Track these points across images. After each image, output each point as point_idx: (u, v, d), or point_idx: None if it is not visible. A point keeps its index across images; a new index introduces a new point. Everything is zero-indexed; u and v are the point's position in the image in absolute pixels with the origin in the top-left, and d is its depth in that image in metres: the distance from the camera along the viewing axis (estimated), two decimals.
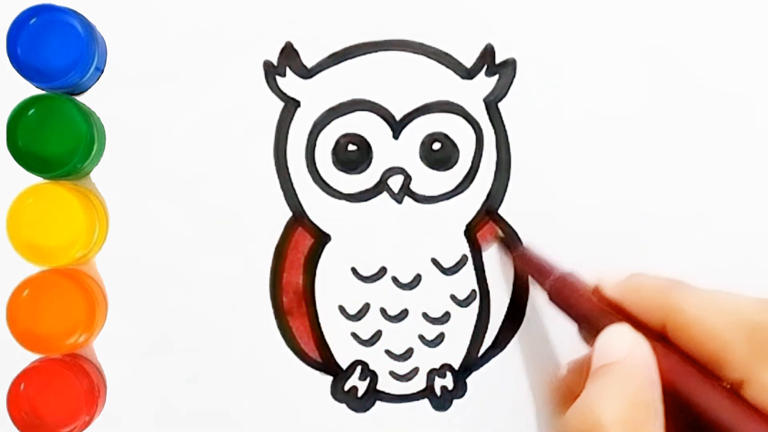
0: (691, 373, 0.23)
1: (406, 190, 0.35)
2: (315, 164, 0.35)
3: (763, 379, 0.21)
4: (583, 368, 0.25)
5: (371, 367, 0.36)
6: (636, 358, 0.23)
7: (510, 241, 0.35)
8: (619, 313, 0.25)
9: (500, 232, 0.35)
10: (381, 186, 0.35)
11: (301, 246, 0.35)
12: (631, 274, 0.26)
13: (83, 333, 0.34)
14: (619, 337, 0.24)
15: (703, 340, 0.23)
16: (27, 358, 0.34)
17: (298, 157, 0.35)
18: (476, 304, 0.35)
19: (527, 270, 0.33)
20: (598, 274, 0.27)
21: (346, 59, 0.35)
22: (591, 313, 0.26)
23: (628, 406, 0.22)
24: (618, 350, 0.23)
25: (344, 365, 0.35)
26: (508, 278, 0.35)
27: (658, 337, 0.24)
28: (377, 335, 0.35)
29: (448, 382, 0.35)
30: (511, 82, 0.35)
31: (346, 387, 0.35)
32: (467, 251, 0.35)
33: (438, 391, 0.35)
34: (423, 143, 0.35)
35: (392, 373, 0.36)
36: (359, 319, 0.35)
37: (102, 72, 0.35)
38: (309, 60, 0.35)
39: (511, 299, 0.35)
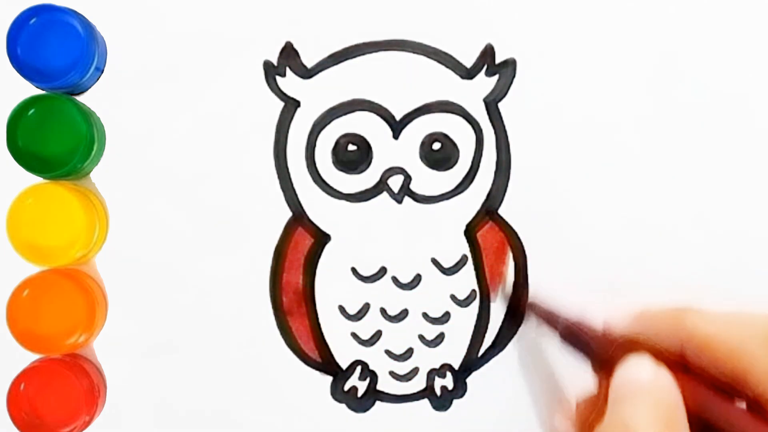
0: (711, 397, 0.23)
1: (406, 190, 0.35)
2: (315, 164, 0.35)
3: None
4: (597, 401, 0.26)
5: (371, 367, 0.36)
6: (662, 381, 0.24)
7: (520, 290, 0.35)
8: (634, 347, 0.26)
9: (507, 286, 0.35)
10: (381, 186, 0.35)
11: (301, 246, 0.35)
12: (640, 310, 0.27)
13: (83, 333, 0.34)
14: (642, 365, 0.24)
15: (723, 359, 0.23)
16: (27, 358, 0.34)
17: (298, 157, 0.35)
18: (476, 304, 0.35)
19: (537, 315, 0.33)
20: (605, 317, 0.28)
21: (346, 59, 0.35)
22: (607, 350, 0.27)
23: (662, 424, 0.22)
24: (643, 377, 0.24)
25: (344, 365, 0.35)
26: (508, 278, 0.35)
27: (677, 366, 0.24)
28: (377, 335, 0.35)
29: (448, 382, 0.35)
30: (511, 82, 0.35)
31: (346, 387, 0.35)
32: (467, 251, 0.35)
33: (438, 391, 0.35)
34: (423, 143, 0.35)
35: (392, 373, 0.36)
36: (359, 319, 0.35)
37: (102, 72, 0.35)
38: (309, 60, 0.35)
39: (511, 299, 0.35)
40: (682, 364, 0.25)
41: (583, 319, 0.29)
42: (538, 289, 0.35)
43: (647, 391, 0.23)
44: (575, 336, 0.29)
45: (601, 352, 0.27)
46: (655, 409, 0.23)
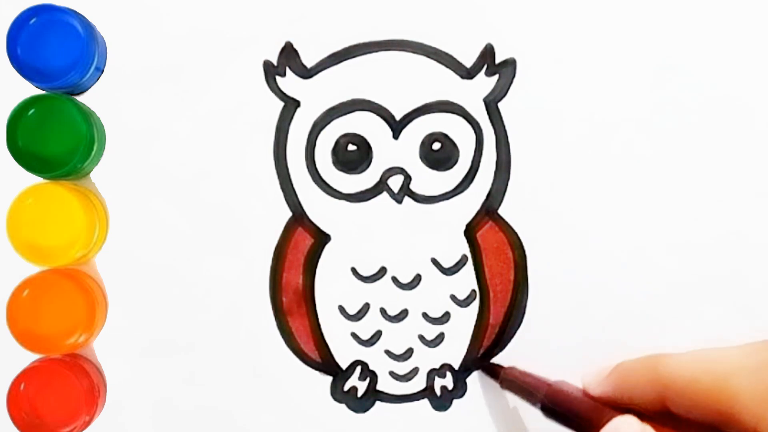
0: None
1: (406, 190, 0.35)
2: (315, 164, 0.35)
3: None
4: None
5: (371, 367, 0.36)
6: None
7: (491, 367, 0.35)
8: (615, 405, 0.26)
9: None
10: (381, 186, 0.35)
11: (301, 246, 0.35)
12: (614, 366, 0.26)
13: (83, 333, 0.34)
14: (628, 427, 0.24)
15: (705, 400, 0.23)
16: (27, 358, 0.34)
17: (298, 157, 0.35)
18: (476, 304, 0.35)
19: (515, 392, 0.33)
20: (582, 378, 0.27)
21: (345, 59, 0.35)
22: (590, 413, 0.26)
23: None
24: None
25: (344, 365, 0.35)
26: (508, 278, 0.35)
27: (663, 418, 0.24)
28: (377, 335, 0.35)
29: (448, 382, 0.35)
30: (511, 82, 0.35)
31: (346, 387, 0.35)
32: (467, 251, 0.35)
33: (438, 391, 0.35)
34: (423, 143, 0.35)
35: (392, 373, 0.35)
36: (359, 319, 0.35)
37: (102, 72, 0.35)
38: (309, 60, 0.35)
39: (510, 299, 0.35)
40: (668, 415, 0.24)
41: (561, 385, 0.29)
42: (513, 364, 0.34)
43: None
44: (556, 404, 0.29)
45: (584, 416, 0.26)
46: None
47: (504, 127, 0.35)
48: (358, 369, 0.35)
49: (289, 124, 0.35)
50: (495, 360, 0.35)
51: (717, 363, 0.23)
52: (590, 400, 0.27)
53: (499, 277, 0.35)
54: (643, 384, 0.25)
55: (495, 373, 0.34)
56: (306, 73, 0.35)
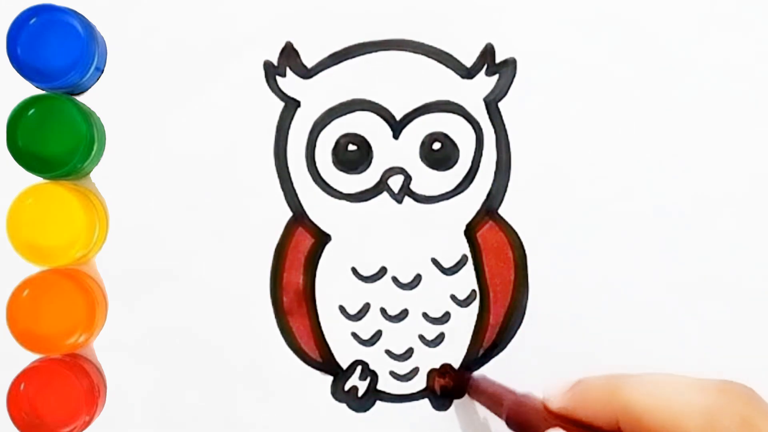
0: None
1: (406, 190, 0.35)
2: (315, 164, 0.35)
3: None
4: None
5: (371, 367, 0.36)
6: None
7: (460, 374, 0.35)
8: (572, 424, 0.25)
9: (448, 378, 0.35)
10: (381, 186, 0.35)
11: (301, 246, 0.35)
12: (576, 381, 0.26)
13: (83, 333, 0.34)
14: None
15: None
16: (27, 358, 0.34)
17: (298, 157, 0.35)
18: (476, 304, 0.35)
19: (480, 400, 0.33)
20: (543, 390, 0.27)
21: (346, 59, 0.35)
22: (548, 424, 0.26)
23: None
24: None
25: (344, 365, 0.35)
26: (508, 278, 0.35)
27: None
28: (377, 335, 0.35)
29: (448, 382, 0.35)
30: (511, 82, 0.35)
31: (346, 387, 0.35)
32: (467, 251, 0.35)
33: (438, 391, 0.35)
34: (423, 143, 0.35)
35: (392, 373, 0.36)
36: (359, 319, 0.35)
37: (102, 72, 0.35)
38: (309, 60, 0.35)
39: (510, 299, 0.35)
40: None
41: (525, 398, 0.29)
42: (482, 372, 0.35)
43: None
44: (520, 415, 0.28)
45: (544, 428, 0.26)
46: None
47: (504, 127, 0.35)
48: (359, 369, 0.35)
49: (290, 124, 0.35)
50: (495, 360, 0.35)
51: (673, 398, 0.23)
52: (549, 415, 0.27)
53: (499, 277, 0.35)
54: (600, 404, 0.24)
55: (464, 382, 0.35)
56: (306, 73, 0.35)
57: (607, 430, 0.24)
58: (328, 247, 0.35)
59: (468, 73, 0.35)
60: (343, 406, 0.35)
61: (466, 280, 0.35)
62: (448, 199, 0.35)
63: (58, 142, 0.33)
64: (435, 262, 0.35)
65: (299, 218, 0.35)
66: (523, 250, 0.35)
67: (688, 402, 0.22)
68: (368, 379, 0.35)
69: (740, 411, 0.22)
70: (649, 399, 0.23)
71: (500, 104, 0.35)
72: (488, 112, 0.35)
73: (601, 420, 0.24)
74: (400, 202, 0.35)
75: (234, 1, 0.35)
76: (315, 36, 0.35)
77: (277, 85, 0.35)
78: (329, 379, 0.35)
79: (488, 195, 0.35)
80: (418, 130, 0.35)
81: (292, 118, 0.35)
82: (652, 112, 0.35)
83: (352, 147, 0.35)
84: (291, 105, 0.35)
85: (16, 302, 0.33)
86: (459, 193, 0.35)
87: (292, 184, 0.35)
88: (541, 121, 0.35)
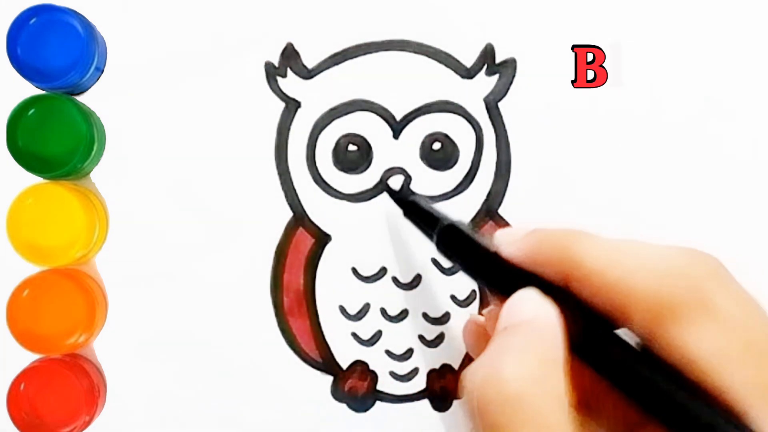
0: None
1: (406, 190, 0.35)
2: (316, 165, 0.35)
3: (669, 335, 0.20)
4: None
5: (371, 367, 0.36)
6: (541, 319, 0.22)
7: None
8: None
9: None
10: (381, 186, 0.35)
11: (301, 246, 0.35)
12: (531, 230, 0.24)
13: (83, 333, 0.34)
14: (526, 301, 0.22)
15: (604, 294, 0.21)
16: (27, 358, 0.34)
17: (299, 158, 0.35)
18: (476, 304, 0.35)
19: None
20: (496, 234, 0.25)
21: (346, 60, 0.35)
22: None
23: (531, 362, 0.20)
24: (525, 313, 0.22)
25: (344, 365, 0.36)
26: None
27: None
28: (377, 335, 0.35)
29: (448, 382, 0.35)
30: (511, 82, 0.35)
31: (346, 387, 0.35)
32: None
33: (438, 391, 0.35)
34: (423, 143, 0.35)
35: (392, 373, 0.36)
36: (359, 319, 0.35)
37: (102, 72, 0.35)
38: (310, 61, 0.35)
39: None
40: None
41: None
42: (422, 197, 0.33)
43: (524, 328, 0.21)
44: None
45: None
46: (528, 345, 0.21)
47: (504, 127, 0.35)
48: (359, 369, 0.35)
49: (290, 125, 0.35)
50: None
51: (627, 259, 0.21)
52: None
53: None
54: (552, 258, 0.23)
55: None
56: (307, 73, 0.35)
57: (553, 282, 0.23)
58: (328, 248, 0.35)
59: (468, 74, 0.35)
60: (343, 406, 0.35)
61: (466, 281, 0.35)
62: (448, 199, 0.35)
63: (58, 142, 0.33)
64: (435, 262, 0.35)
65: (300, 219, 0.35)
66: None
67: (642, 264, 0.21)
68: (368, 380, 0.35)
69: (698, 279, 0.20)
70: (603, 257, 0.21)
71: (500, 104, 0.35)
72: (488, 112, 0.35)
73: (549, 273, 0.23)
74: None
75: (235, 1, 0.35)
76: (315, 37, 0.35)
77: (278, 86, 0.35)
78: (329, 379, 0.35)
79: (488, 195, 0.36)
80: (418, 130, 0.35)
81: (292, 119, 0.35)
82: (652, 112, 0.35)
83: (352, 147, 0.35)
84: (292, 105, 0.35)
85: (16, 302, 0.33)
86: (459, 193, 0.35)
87: (292, 184, 0.35)
88: (541, 121, 0.35)
